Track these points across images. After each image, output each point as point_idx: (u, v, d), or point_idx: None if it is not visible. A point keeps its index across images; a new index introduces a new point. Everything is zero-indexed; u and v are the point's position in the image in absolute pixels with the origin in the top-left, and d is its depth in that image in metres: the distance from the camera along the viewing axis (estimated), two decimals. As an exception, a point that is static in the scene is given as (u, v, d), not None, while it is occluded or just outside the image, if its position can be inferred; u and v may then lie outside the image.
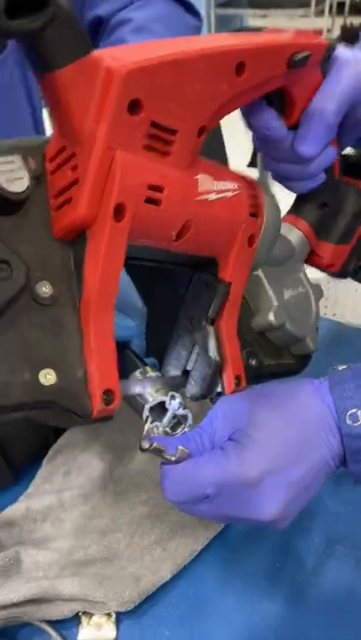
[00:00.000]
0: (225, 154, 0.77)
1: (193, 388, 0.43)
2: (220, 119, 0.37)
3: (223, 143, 0.76)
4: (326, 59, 0.42)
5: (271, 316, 0.46)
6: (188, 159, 0.34)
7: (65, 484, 0.57)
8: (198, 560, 0.51)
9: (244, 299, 0.46)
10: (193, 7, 0.68)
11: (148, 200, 0.32)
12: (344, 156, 0.50)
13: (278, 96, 0.41)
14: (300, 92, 0.42)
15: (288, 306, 0.48)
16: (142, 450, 0.37)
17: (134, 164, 0.31)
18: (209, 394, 0.43)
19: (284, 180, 0.47)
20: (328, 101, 0.42)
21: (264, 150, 0.45)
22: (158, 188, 0.33)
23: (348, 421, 0.38)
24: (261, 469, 0.37)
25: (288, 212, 0.52)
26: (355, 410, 0.38)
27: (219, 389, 0.42)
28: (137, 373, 0.44)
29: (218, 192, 0.37)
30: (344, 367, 0.41)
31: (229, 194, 0.38)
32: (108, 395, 0.32)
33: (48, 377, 0.31)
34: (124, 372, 0.44)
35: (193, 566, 0.51)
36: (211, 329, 0.42)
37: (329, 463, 0.39)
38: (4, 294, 0.29)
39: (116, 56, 0.29)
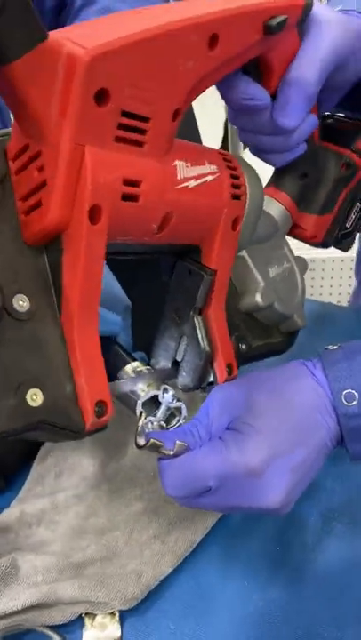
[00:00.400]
0: (198, 134, 0.75)
1: (184, 379, 0.42)
2: (195, 98, 0.35)
3: (195, 124, 0.75)
4: (303, 20, 0.39)
5: (258, 297, 0.45)
6: (164, 146, 0.32)
7: (57, 485, 0.56)
8: (198, 550, 0.51)
9: (230, 280, 0.44)
10: None
11: (125, 196, 0.30)
12: (321, 119, 0.48)
13: (254, 64, 0.39)
14: (277, 58, 0.39)
15: (275, 284, 0.47)
16: (139, 447, 0.37)
17: (106, 159, 0.29)
18: (201, 384, 0.42)
19: (263, 153, 0.45)
20: (307, 69, 0.39)
21: (242, 123, 0.42)
22: (135, 183, 0.31)
23: (344, 401, 0.38)
24: (264, 457, 0.36)
25: (267, 185, 0.51)
26: (350, 389, 0.38)
27: (211, 379, 0.42)
28: (127, 368, 0.43)
29: (197, 177, 0.35)
30: (335, 347, 0.41)
31: (210, 177, 0.36)
32: (101, 406, 0.31)
33: (35, 397, 0.29)
34: (114, 368, 0.43)
35: (193, 557, 0.50)
36: (199, 319, 0.40)
37: (327, 444, 0.39)
38: None
39: (76, 39, 0.26)
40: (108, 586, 0.46)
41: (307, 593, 0.47)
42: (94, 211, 0.28)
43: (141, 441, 0.36)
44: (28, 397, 0.28)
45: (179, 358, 0.42)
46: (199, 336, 0.40)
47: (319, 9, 0.40)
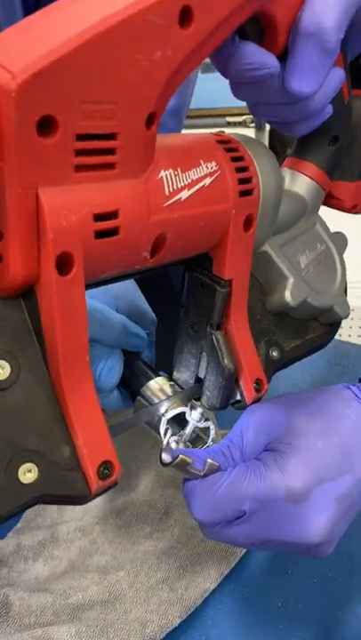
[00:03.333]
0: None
1: (209, 398, 0.37)
2: (173, 93, 0.27)
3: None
4: None
5: (288, 296, 0.38)
6: (141, 161, 0.26)
7: (60, 517, 0.51)
8: (210, 601, 0.45)
9: (254, 277, 0.39)
10: None
11: (100, 233, 0.25)
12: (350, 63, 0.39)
13: (252, 23, 0.30)
14: (280, 8, 0.30)
15: (307, 275, 0.40)
16: (164, 464, 0.33)
17: (68, 196, 0.24)
18: (227, 403, 0.37)
19: (281, 125, 0.37)
20: (323, 16, 0.29)
21: (247, 96, 0.34)
22: (110, 215, 0.25)
23: None
24: (307, 480, 0.32)
25: (291, 156, 0.42)
26: None
27: (238, 397, 0.37)
28: (150, 384, 0.39)
29: (191, 185, 0.29)
30: None
31: (208, 180, 0.30)
32: (106, 467, 0.27)
33: (29, 474, 0.25)
34: (137, 384, 0.40)
35: (205, 609, 0.45)
36: (218, 335, 0.35)
37: None
38: None
39: (2, 58, 0.21)
40: (109, 634, 0.41)
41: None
42: (62, 260, 0.24)
43: (168, 458, 0.32)
44: (20, 475, 0.25)
45: (201, 375, 0.38)
46: (219, 354, 0.36)
47: None
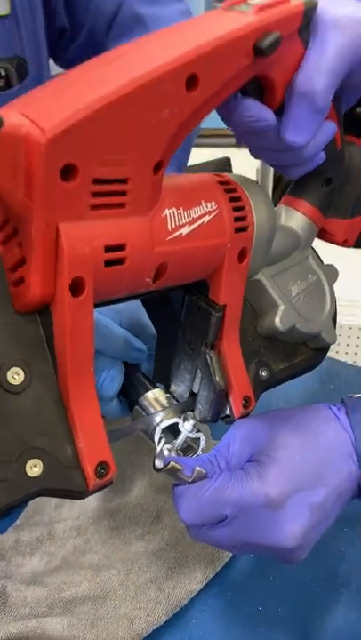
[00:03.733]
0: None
1: (200, 412, 0.41)
2: (180, 143, 0.32)
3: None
4: (306, 25, 0.33)
5: (277, 321, 0.41)
6: (148, 202, 0.30)
7: (57, 515, 0.54)
8: (196, 602, 0.48)
9: (248, 302, 0.42)
10: None
11: (109, 262, 0.29)
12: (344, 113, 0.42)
13: (253, 82, 0.34)
14: (278, 73, 0.34)
15: (297, 303, 0.43)
16: (156, 470, 0.36)
17: (83, 231, 0.28)
18: (217, 417, 0.41)
19: (278, 168, 0.41)
20: (314, 81, 0.34)
21: (249, 142, 0.39)
22: (118, 247, 0.29)
23: None
24: (284, 489, 0.35)
25: (287, 194, 0.46)
26: None
27: (227, 412, 0.40)
28: (148, 395, 0.42)
29: (191, 222, 0.33)
30: (358, 395, 0.40)
31: (207, 218, 0.34)
32: (103, 467, 0.31)
33: (35, 469, 0.28)
34: (135, 394, 0.43)
35: (190, 609, 0.47)
36: (211, 354, 0.39)
37: (347, 490, 0.38)
38: None
39: (34, 116, 0.25)
40: (99, 627, 0.43)
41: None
42: (76, 284, 0.28)
43: (160, 463, 0.36)
44: (27, 469, 0.28)
45: (195, 389, 0.41)
46: (212, 371, 0.39)
47: (326, 6, 0.34)
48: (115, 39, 0.66)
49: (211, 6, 3.98)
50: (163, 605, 0.46)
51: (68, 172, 0.26)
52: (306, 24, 0.34)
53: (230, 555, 0.51)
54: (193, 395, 0.41)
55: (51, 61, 0.69)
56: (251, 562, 0.52)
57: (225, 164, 0.79)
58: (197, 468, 0.36)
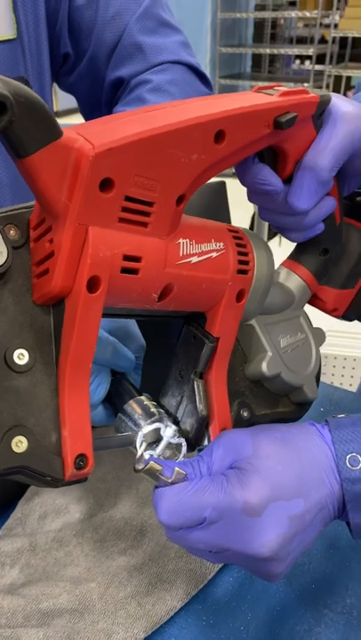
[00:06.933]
0: (227, 210, 0.79)
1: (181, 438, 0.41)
2: (203, 184, 0.37)
3: (226, 199, 0.79)
4: (320, 114, 0.41)
5: (264, 366, 0.44)
6: (167, 227, 0.34)
7: (40, 527, 0.54)
8: (176, 619, 0.47)
9: (239, 345, 0.45)
10: (206, 78, 0.73)
11: (125, 270, 0.32)
12: (348, 196, 0.49)
13: (269, 151, 0.41)
14: (292, 147, 0.41)
15: (284, 354, 0.46)
16: (137, 471, 0.36)
17: (108, 237, 0.31)
18: (196, 445, 0.42)
19: (282, 231, 0.46)
20: (322, 158, 0.41)
21: (259, 202, 0.44)
22: (135, 258, 0.33)
23: (348, 465, 0.38)
24: (263, 496, 0.35)
25: (288, 258, 0.51)
26: (354, 453, 0.38)
27: (206, 442, 0.41)
28: (133, 402, 0.43)
29: (201, 254, 0.37)
30: (342, 415, 0.41)
31: (214, 254, 0.38)
32: (82, 459, 0.32)
33: (20, 444, 0.30)
34: (121, 401, 0.44)
35: (170, 626, 0.46)
36: (199, 382, 0.41)
37: (329, 507, 0.38)
38: None
39: (88, 136, 0.29)
40: (75, 640, 0.42)
41: None
42: (93, 281, 0.31)
43: (140, 465, 0.36)
44: (13, 443, 0.30)
45: (178, 417, 0.42)
46: (197, 399, 0.41)
47: (338, 102, 0.41)
48: (115, 67, 0.68)
49: (215, 17, 4.12)
50: (142, 621, 0.45)
51: (106, 184, 0.30)
52: (319, 113, 0.40)
53: (213, 573, 0.50)
54: (176, 423, 0.42)
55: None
56: (234, 580, 0.51)
57: (220, 186, 0.82)
58: (177, 468, 0.36)
